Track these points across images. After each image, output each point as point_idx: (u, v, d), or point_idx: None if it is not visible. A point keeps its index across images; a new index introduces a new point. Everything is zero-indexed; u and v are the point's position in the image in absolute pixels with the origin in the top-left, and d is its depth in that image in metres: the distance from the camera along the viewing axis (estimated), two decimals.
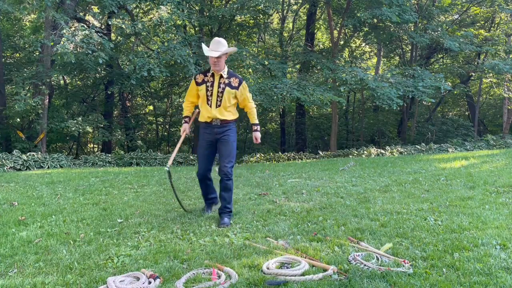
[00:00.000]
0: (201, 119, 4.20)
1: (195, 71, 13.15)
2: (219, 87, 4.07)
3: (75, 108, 20.93)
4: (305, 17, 19.77)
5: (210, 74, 4.12)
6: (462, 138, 16.99)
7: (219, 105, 4.08)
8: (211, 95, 4.08)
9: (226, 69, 4.13)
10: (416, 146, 14.73)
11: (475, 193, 5.01)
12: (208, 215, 4.38)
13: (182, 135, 4.37)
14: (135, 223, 4.24)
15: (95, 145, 22.05)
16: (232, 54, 13.85)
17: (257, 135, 4.33)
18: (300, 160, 13.52)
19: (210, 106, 4.09)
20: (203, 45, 4.18)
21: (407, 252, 3.05)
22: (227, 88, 4.08)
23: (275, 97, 13.01)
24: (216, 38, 4.06)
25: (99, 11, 13.69)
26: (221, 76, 4.09)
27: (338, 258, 2.96)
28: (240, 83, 4.14)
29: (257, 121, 4.35)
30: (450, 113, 25.09)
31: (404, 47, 19.74)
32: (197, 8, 15.39)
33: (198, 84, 4.14)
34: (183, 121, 4.33)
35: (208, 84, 4.09)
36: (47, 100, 14.04)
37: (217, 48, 3.99)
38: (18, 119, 15.26)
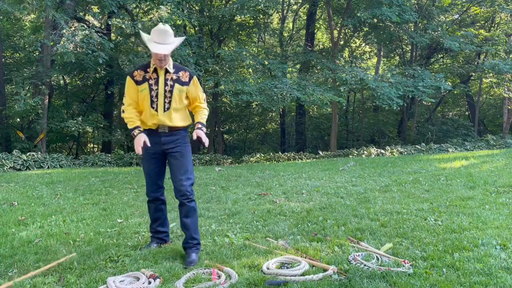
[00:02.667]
0: (144, 126, 3.25)
1: (195, 71, 13.15)
2: (165, 84, 3.17)
3: (75, 108, 20.92)
4: (305, 17, 19.77)
5: (151, 69, 3.19)
6: (462, 138, 16.98)
7: (168, 108, 3.18)
8: (156, 96, 3.17)
9: (171, 61, 3.23)
10: (416, 146, 14.73)
11: (475, 193, 5.01)
12: (144, 250, 3.36)
13: (141, 151, 3.20)
14: (135, 223, 4.24)
15: (95, 145, 22.04)
16: (232, 54, 13.89)
17: (200, 133, 3.19)
18: (300, 160, 13.52)
19: (156, 110, 3.18)
20: (143, 34, 3.28)
21: (407, 252, 3.05)
22: (176, 85, 3.19)
23: (275, 97, 13.01)
24: (161, 26, 3.16)
25: (99, 11, 13.69)
26: (167, 71, 3.18)
27: (338, 258, 2.96)
28: (191, 78, 3.26)
29: (203, 121, 3.29)
30: (450, 113, 25.07)
31: (404, 47, 19.74)
32: (197, 8, 15.40)
33: (137, 83, 3.19)
34: (135, 133, 3.19)
35: (151, 82, 3.17)
36: (47, 100, 14.04)
37: (165, 40, 3.12)
38: (18, 119, 15.27)
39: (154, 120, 3.21)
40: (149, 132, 3.25)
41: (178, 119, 3.24)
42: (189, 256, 3.11)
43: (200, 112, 3.32)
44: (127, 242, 3.58)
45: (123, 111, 3.27)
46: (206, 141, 3.17)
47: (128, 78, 3.23)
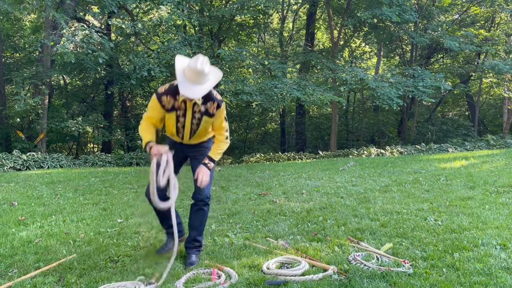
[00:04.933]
0: (169, 134, 3.22)
1: None
2: (193, 117, 3.03)
3: (75, 108, 20.93)
4: (305, 17, 19.77)
5: (180, 99, 2.97)
6: (462, 138, 16.98)
7: (193, 136, 3.15)
8: (183, 127, 3.08)
9: None
10: (416, 146, 14.73)
11: (475, 193, 5.01)
12: (161, 253, 3.28)
13: (160, 158, 2.93)
14: (135, 223, 4.24)
15: (95, 145, 22.03)
16: (232, 54, 13.89)
17: (205, 172, 3.05)
18: (300, 160, 13.52)
19: (182, 138, 3.16)
20: (177, 63, 2.92)
21: (407, 252, 3.05)
22: (204, 118, 3.05)
23: (275, 97, 13.02)
24: (198, 67, 2.77)
25: (99, 11, 13.67)
26: (195, 103, 3.00)
27: (338, 258, 2.96)
28: (218, 108, 3.04)
29: (215, 157, 3.13)
30: (450, 113, 25.08)
31: (404, 47, 19.73)
32: (197, 8, 15.39)
33: (166, 110, 3.03)
34: (147, 148, 3.01)
35: (179, 113, 3.02)
36: (47, 100, 14.04)
37: (198, 80, 2.81)
38: (18, 119, 15.27)
39: (179, 140, 3.20)
40: (175, 141, 3.22)
41: (201, 137, 3.21)
42: (190, 258, 3.09)
43: (216, 145, 3.17)
44: (127, 242, 3.58)
45: (141, 122, 3.18)
46: (205, 181, 3.02)
47: (155, 100, 3.03)
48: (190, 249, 3.15)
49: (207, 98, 3.01)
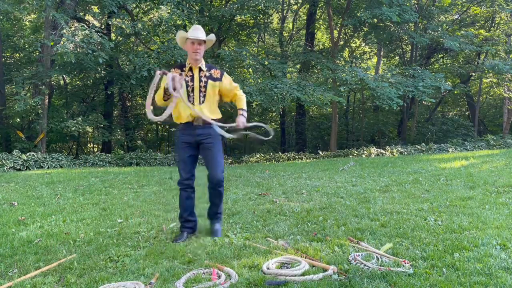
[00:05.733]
0: (180, 120, 3.64)
1: None
2: (200, 81, 3.59)
3: (75, 108, 20.94)
4: (305, 17, 19.77)
5: (187, 68, 3.61)
6: (462, 138, 16.99)
7: (203, 101, 3.60)
8: (192, 90, 3.57)
9: (203, 61, 3.67)
10: (416, 146, 14.74)
11: (475, 193, 5.01)
12: (176, 244, 3.48)
13: (158, 73, 3.45)
14: (135, 223, 4.24)
15: (95, 145, 22.04)
16: (232, 54, 13.89)
17: (243, 119, 3.65)
18: (300, 160, 13.52)
19: (193, 103, 3.56)
20: (180, 32, 3.66)
21: (407, 252, 3.05)
22: (210, 81, 3.62)
23: (275, 97, 13.02)
24: (196, 25, 3.63)
25: (99, 11, 13.68)
26: (201, 69, 3.62)
27: (338, 258, 2.96)
28: (222, 74, 3.70)
29: (245, 107, 3.72)
30: (450, 113, 25.08)
31: (404, 47, 19.74)
32: (197, 8, 15.40)
33: None
34: (165, 84, 3.49)
35: (188, 79, 3.57)
36: (47, 100, 14.05)
37: (198, 34, 3.54)
38: (18, 119, 15.28)
39: (190, 111, 3.56)
40: (186, 126, 3.64)
41: (210, 112, 3.63)
42: (214, 226, 3.73)
43: (240, 99, 3.74)
44: (127, 242, 3.58)
45: (154, 99, 3.56)
46: (242, 122, 3.61)
47: (162, 75, 3.50)
48: (214, 220, 3.78)
49: (210, 67, 3.71)
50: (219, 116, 3.71)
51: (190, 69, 3.60)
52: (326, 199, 5.12)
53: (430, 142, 15.53)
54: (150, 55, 13.22)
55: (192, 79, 3.58)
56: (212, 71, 3.66)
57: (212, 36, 3.68)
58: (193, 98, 3.57)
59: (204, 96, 3.59)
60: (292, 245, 3.34)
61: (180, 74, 3.52)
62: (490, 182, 5.60)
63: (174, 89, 3.39)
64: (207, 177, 3.63)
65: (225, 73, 3.73)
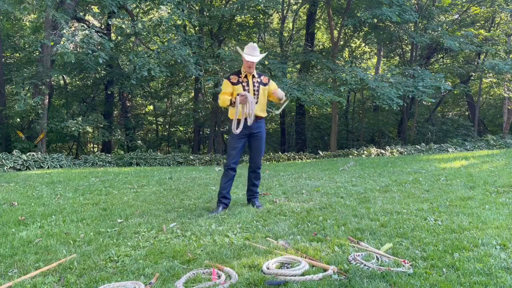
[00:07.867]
0: (235, 116, 4.51)
1: (195, 71, 13.15)
2: (254, 86, 4.58)
3: (75, 108, 20.94)
4: (305, 17, 19.77)
5: (243, 75, 4.59)
6: (462, 138, 16.98)
7: (256, 102, 4.55)
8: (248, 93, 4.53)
9: (255, 70, 4.65)
10: (416, 146, 14.74)
11: (475, 193, 5.00)
12: (211, 216, 4.38)
13: (248, 97, 4.40)
14: (135, 223, 4.24)
15: (95, 145, 22.06)
16: (232, 54, 13.90)
17: (279, 92, 4.75)
18: (300, 160, 13.52)
19: None
20: (239, 49, 4.68)
21: (407, 252, 3.05)
22: (261, 86, 4.62)
23: None
24: (252, 44, 4.57)
25: (99, 11, 13.69)
26: (253, 76, 4.61)
27: (338, 258, 2.96)
28: (269, 80, 4.75)
29: (283, 93, 4.83)
30: (450, 113, 25.08)
31: (404, 47, 19.74)
32: (197, 8, 15.40)
33: (233, 84, 4.55)
34: (234, 99, 4.47)
35: (244, 84, 4.55)
36: (47, 100, 14.05)
37: (253, 53, 4.51)
38: (18, 119, 15.27)
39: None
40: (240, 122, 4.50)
41: (261, 110, 4.66)
42: (255, 202, 4.79)
43: (279, 90, 4.82)
44: (127, 242, 3.58)
45: (219, 98, 4.63)
46: (281, 94, 4.75)
47: (226, 80, 4.62)
48: (254, 198, 4.85)
49: (260, 74, 4.74)
50: (266, 114, 4.77)
51: (245, 76, 4.60)
52: (326, 199, 5.12)
53: (430, 142, 15.54)
54: (150, 55, 13.22)
55: (248, 85, 4.58)
56: (262, 77, 4.69)
57: (262, 55, 4.72)
58: None
59: (257, 98, 4.59)
60: (292, 245, 3.34)
61: (238, 81, 4.56)
62: (490, 182, 5.59)
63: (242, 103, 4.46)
64: (249, 162, 4.78)
65: (270, 79, 4.79)
